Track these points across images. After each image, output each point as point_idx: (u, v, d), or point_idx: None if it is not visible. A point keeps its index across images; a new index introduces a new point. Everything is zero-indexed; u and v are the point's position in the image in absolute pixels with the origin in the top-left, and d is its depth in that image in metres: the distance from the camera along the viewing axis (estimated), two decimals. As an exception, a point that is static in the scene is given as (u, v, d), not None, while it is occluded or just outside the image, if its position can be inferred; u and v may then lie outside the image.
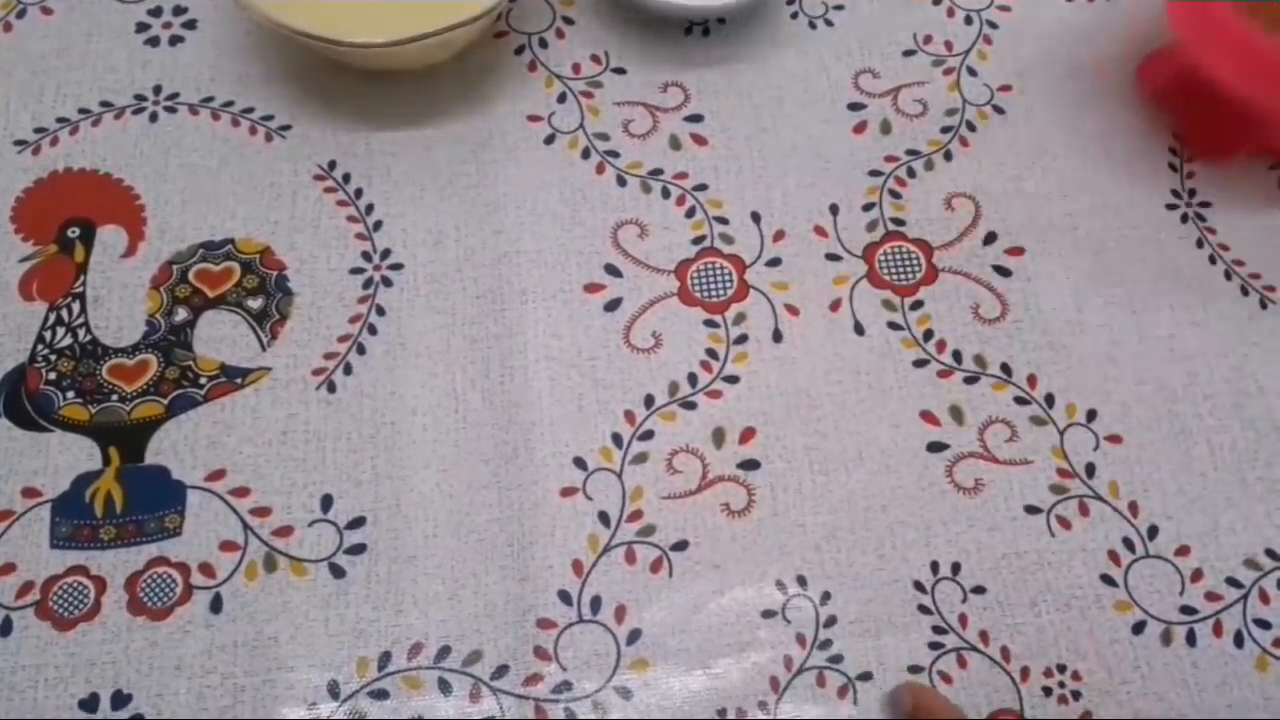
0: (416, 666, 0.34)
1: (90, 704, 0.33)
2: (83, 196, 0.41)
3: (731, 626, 0.36)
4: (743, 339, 0.40)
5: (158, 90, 0.43)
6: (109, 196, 0.41)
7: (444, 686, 0.34)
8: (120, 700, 0.33)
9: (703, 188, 0.42)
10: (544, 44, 0.45)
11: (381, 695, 0.34)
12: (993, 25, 0.47)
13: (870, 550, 0.37)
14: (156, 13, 0.45)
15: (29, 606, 0.35)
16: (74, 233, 0.40)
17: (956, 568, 0.37)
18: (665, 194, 0.42)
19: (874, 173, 0.43)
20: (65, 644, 0.34)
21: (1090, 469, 0.38)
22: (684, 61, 0.45)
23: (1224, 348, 0.41)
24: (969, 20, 0.47)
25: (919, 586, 0.36)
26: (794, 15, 0.46)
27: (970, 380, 0.39)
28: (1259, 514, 0.38)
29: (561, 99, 0.44)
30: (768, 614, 0.36)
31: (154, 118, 0.43)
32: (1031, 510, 0.38)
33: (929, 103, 0.45)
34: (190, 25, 0.45)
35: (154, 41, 0.44)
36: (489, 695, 0.34)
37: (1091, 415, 0.39)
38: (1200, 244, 0.42)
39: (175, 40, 0.44)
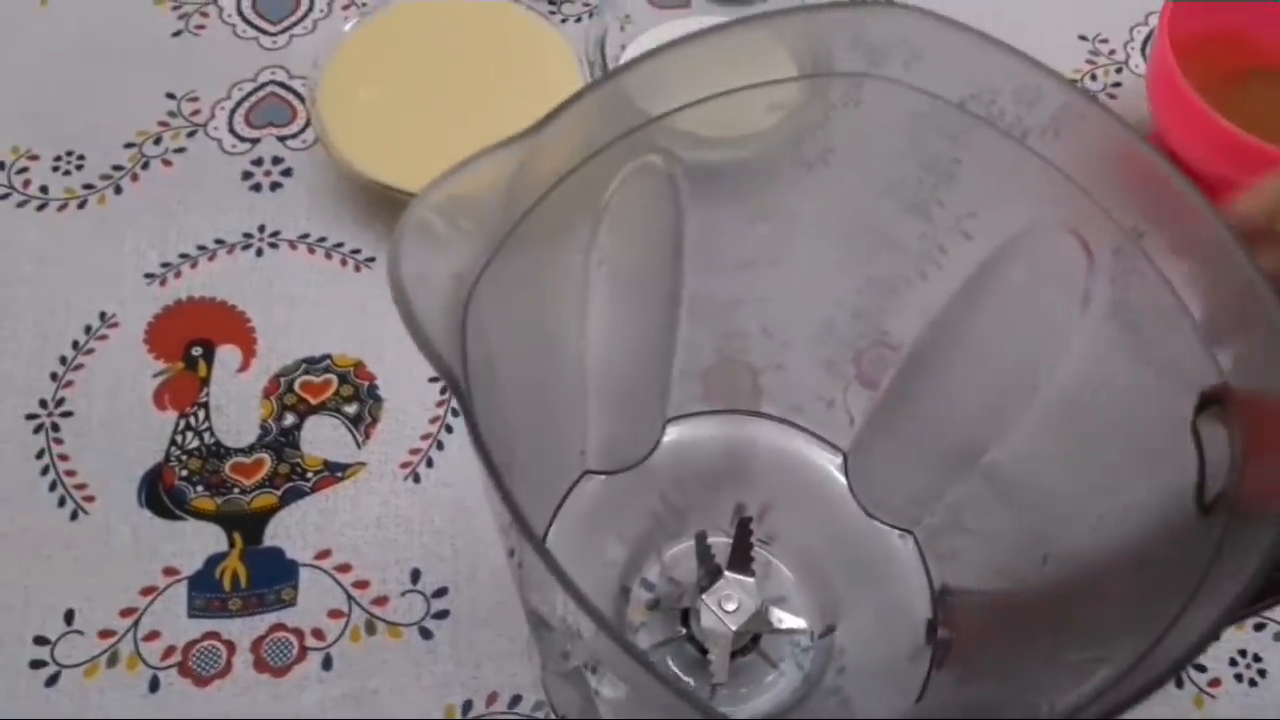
0: (494, 713, 0.41)
1: (227, 748, 0.40)
2: (203, 321, 0.48)
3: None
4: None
5: (262, 229, 0.51)
6: (225, 321, 0.49)
7: (517, 729, 0.41)
8: (251, 744, 0.40)
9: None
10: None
11: (466, 737, 0.41)
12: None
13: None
14: (258, 163, 0.53)
15: (172, 666, 0.41)
16: (197, 351, 0.48)
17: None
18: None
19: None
20: (203, 698, 0.41)
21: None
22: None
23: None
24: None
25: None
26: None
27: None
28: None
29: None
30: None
31: (260, 253, 0.51)
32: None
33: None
34: (287, 173, 0.53)
35: (257, 187, 0.53)
36: (554, 736, 0.41)
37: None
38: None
39: (275, 186, 0.53)
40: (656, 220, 0.31)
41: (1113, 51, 0.60)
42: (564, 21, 0.58)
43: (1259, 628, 0.45)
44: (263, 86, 0.56)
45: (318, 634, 0.42)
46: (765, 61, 0.28)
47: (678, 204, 0.31)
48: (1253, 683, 0.44)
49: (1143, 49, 0.60)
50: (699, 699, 0.18)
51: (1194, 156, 0.49)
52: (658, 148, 0.28)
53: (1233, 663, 0.44)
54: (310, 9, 0.58)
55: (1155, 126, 0.51)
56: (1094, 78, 0.59)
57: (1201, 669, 0.44)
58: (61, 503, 0.44)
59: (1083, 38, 0.60)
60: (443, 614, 0.43)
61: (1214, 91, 0.47)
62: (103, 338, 0.48)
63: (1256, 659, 0.44)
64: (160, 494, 0.44)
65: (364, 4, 0.58)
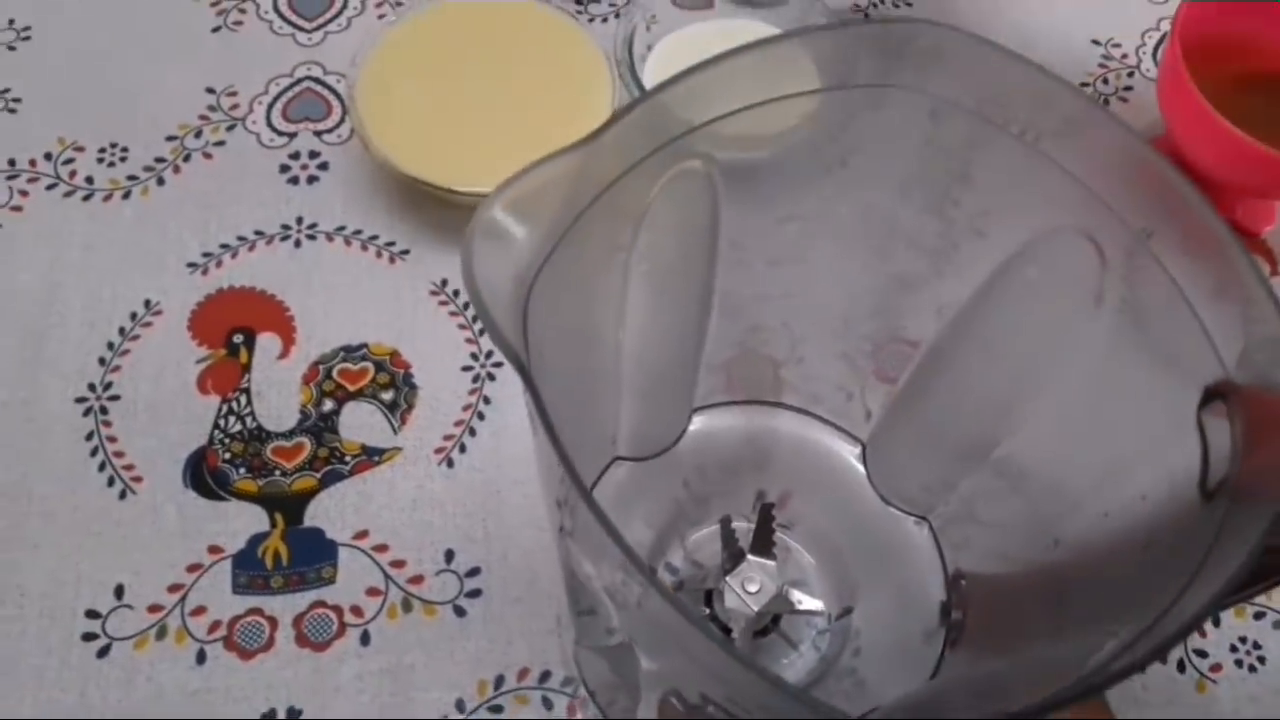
0: (525, 687, 0.43)
1: (270, 717, 0.42)
2: (244, 309, 0.50)
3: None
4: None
5: (299, 221, 0.53)
6: (265, 309, 0.51)
7: (546, 703, 0.43)
8: (293, 714, 0.42)
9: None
10: (609, 179, 0.55)
11: (497, 710, 0.43)
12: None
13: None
14: (295, 156, 0.55)
15: (218, 640, 0.43)
16: (239, 339, 0.50)
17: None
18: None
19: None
20: (248, 670, 0.43)
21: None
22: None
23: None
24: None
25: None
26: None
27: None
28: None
29: (625, 225, 0.54)
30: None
31: (298, 244, 0.53)
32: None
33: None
34: (324, 167, 0.55)
35: (294, 180, 0.54)
36: (581, 709, 0.43)
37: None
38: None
39: (312, 179, 0.54)
40: (694, 221, 0.33)
41: (1125, 56, 0.61)
42: (591, 21, 0.60)
43: (1259, 616, 0.47)
44: (299, 82, 0.57)
45: (356, 611, 0.44)
46: (795, 73, 0.30)
47: (714, 205, 0.32)
48: (1253, 669, 0.46)
49: (1154, 53, 0.62)
50: (740, 652, 0.20)
51: (1202, 160, 0.50)
52: (697, 153, 0.29)
53: (1233, 649, 0.46)
54: (344, 7, 0.60)
55: (1165, 129, 0.52)
56: (1106, 81, 0.60)
57: (1203, 655, 0.46)
58: (110, 483, 0.46)
59: (1095, 42, 0.62)
60: (475, 593, 0.45)
61: (1223, 97, 0.49)
62: (148, 324, 0.50)
63: (1256, 646, 0.46)
64: (204, 475, 0.46)
65: (400, 3, 0.60)
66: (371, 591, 0.44)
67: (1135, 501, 0.28)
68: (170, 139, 0.55)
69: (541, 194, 0.23)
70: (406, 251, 0.52)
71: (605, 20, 0.60)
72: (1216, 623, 0.46)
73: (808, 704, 0.20)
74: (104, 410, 0.48)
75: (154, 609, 0.44)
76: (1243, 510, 0.23)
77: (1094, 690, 0.21)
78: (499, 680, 0.43)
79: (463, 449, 0.48)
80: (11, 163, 0.54)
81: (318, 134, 0.56)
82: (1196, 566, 0.22)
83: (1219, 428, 0.25)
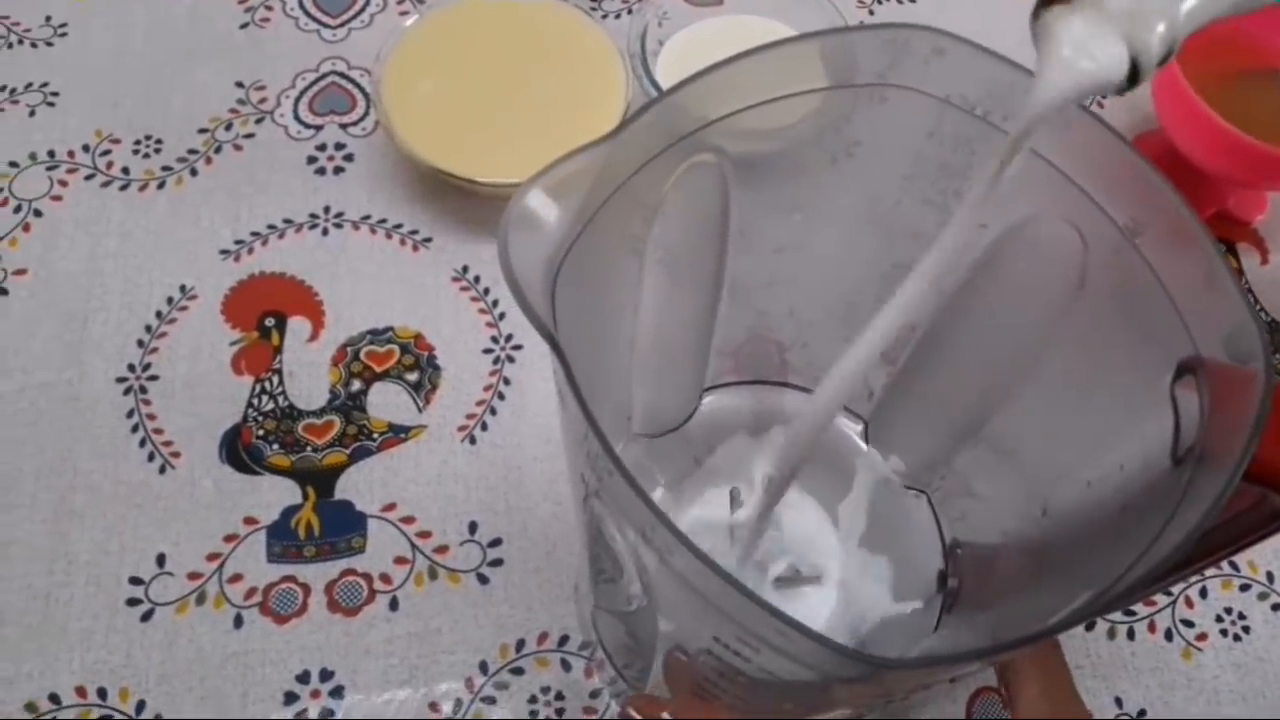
0: (544, 650, 0.45)
1: (304, 677, 0.44)
2: (275, 294, 0.53)
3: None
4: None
5: (327, 210, 0.55)
6: (295, 294, 0.53)
7: (565, 665, 0.45)
8: (325, 675, 0.45)
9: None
10: (623, 170, 0.57)
11: (519, 671, 0.45)
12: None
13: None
14: (322, 148, 0.57)
15: (254, 606, 0.46)
16: (270, 322, 0.52)
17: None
18: (721, 289, 0.54)
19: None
20: (283, 634, 0.45)
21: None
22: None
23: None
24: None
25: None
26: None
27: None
28: (1184, 538, 0.49)
29: (638, 214, 0.56)
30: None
31: (325, 232, 0.55)
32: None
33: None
34: (349, 159, 0.57)
35: (321, 171, 0.57)
36: (598, 671, 0.45)
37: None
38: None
39: (338, 170, 0.57)
40: (706, 211, 0.35)
41: (1122, 49, 0.63)
42: (605, 18, 0.62)
43: (1245, 588, 0.49)
44: (324, 76, 0.60)
45: (385, 578, 0.47)
46: (800, 72, 0.32)
47: (725, 196, 0.35)
48: (1237, 638, 0.48)
49: (1151, 47, 0.63)
50: (761, 599, 0.22)
51: (1195, 152, 0.52)
52: (710, 147, 0.32)
53: (1219, 619, 0.48)
54: (367, 4, 0.63)
55: (1159, 122, 0.54)
56: (1104, 74, 0.62)
57: (1190, 625, 0.48)
58: (151, 458, 0.49)
59: (1094, 36, 0.64)
60: (497, 562, 0.47)
61: (1214, 91, 0.51)
62: (183, 309, 0.52)
63: (1241, 616, 0.48)
64: (239, 451, 0.49)
65: (421, 0, 0.62)
66: (399, 560, 0.47)
67: (1114, 470, 0.30)
68: (202, 131, 0.57)
69: (568, 185, 0.25)
70: (429, 239, 0.55)
71: (619, 16, 0.62)
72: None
73: (824, 644, 0.22)
74: (143, 390, 0.50)
75: (194, 576, 0.46)
76: (1206, 471, 0.25)
77: (1046, 635, 0.23)
78: (520, 644, 0.46)
79: (484, 427, 0.50)
80: (51, 154, 0.56)
81: (343, 127, 0.58)
82: (1164, 523, 0.25)
83: (1189, 399, 0.27)
